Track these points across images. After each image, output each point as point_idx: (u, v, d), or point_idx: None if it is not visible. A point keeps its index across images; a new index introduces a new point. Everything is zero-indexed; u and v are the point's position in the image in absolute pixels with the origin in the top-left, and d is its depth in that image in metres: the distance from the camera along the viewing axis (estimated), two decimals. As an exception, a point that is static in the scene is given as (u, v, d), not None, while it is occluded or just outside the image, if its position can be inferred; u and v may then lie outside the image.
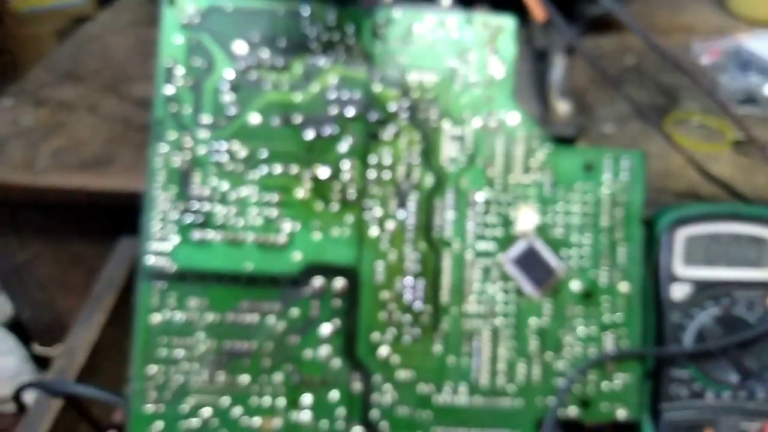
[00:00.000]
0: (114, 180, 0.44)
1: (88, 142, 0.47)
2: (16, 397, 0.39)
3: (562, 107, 0.42)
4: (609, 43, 0.57)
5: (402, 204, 0.32)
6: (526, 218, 0.33)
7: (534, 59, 0.46)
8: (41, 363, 0.58)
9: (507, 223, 0.32)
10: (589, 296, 0.32)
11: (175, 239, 0.32)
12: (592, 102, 0.49)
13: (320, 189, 0.31)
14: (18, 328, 0.58)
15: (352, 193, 0.31)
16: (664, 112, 0.47)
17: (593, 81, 0.51)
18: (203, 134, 0.32)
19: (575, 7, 0.55)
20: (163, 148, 0.32)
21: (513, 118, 0.33)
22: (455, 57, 0.33)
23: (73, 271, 0.51)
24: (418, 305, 0.31)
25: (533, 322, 0.31)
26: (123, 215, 0.39)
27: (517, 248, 0.33)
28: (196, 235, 0.31)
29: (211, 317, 0.31)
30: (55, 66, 0.58)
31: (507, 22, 0.33)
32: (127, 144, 0.46)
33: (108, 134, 0.48)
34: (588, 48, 0.54)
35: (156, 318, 0.31)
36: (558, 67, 0.43)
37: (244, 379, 0.31)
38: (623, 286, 0.33)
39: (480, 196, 0.33)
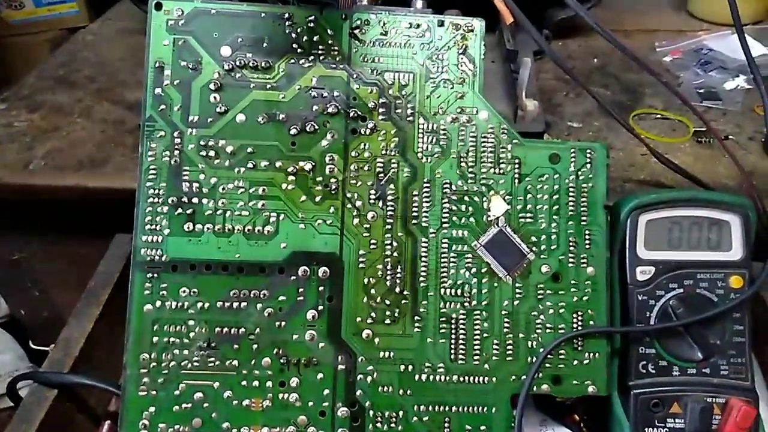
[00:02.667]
0: (108, 179, 0.45)
1: (82, 144, 0.49)
2: (11, 390, 0.40)
3: (531, 105, 0.44)
4: (575, 45, 0.59)
5: (381, 195, 0.34)
6: (497, 206, 0.35)
7: (504, 61, 0.49)
8: (38, 360, 0.59)
9: (479, 211, 0.34)
10: (557, 278, 0.34)
11: (167, 231, 0.33)
12: (559, 101, 0.51)
13: (304, 182, 0.33)
14: (14, 325, 0.59)
15: (334, 185, 0.33)
16: (628, 109, 0.49)
17: (560, 81, 0.53)
18: (191, 132, 0.34)
19: (544, 12, 0.58)
20: (154, 145, 0.34)
21: (482, 114, 0.35)
22: (428, 57, 0.35)
23: (69, 268, 0.52)
24: (398, 290, 0.33)
25: (505, 303, 0.33)
26: (118, 213, 0.41)
27: (489, 235, 0.35)
28: (187, 226, 0.33)
29: (201, 305, 0.32)
30: (49, 72, 0.59)
31: (476, 24, 0.35)
32: (121, 146, 0.48)
33: (102, 137, 0.49)
34: (555, 50, 0.56)
35: (149, 307, 0.33)
36: (526, 69, 0.45)
37: (234, 363, 0.32)
38: (589, 269, 0.35)
39: (453, 187, 0.34)
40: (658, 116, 0.47)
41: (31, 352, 0.58)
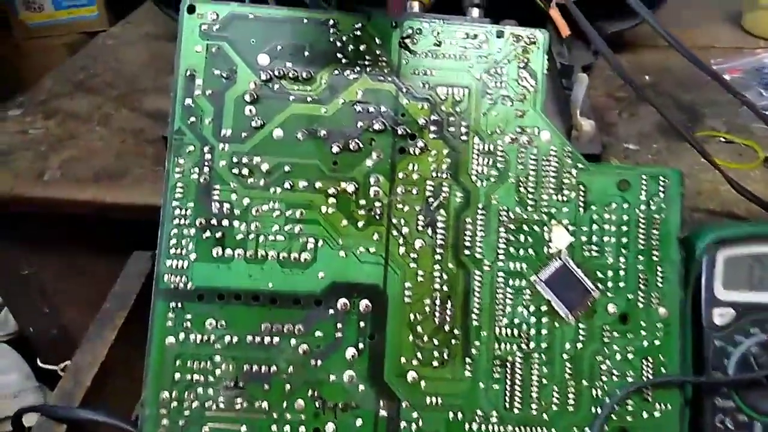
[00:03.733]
0: (126, 193, 0.42)
1: (99, 153, 0.46)
2: (16, 420, 0.37)
3: (587, 125, 0.41)
4: (624, 61, 0.56)
5: (430, 221, 0.30)
6: (559, 237, 0.31)
7: (555, 77, 0.46)
8: (45, 379, 0.56)
9: (539, 242, 0.31)
10: (625, 320, 0.30)
11: (193, 256, 0.30)
12: (612, 120, 0.48)
13: (345, 205, 0.30)
14: (22, 343, 0.56)
15: (378, 210, 0.30)
16: (686, 131, 0.46)
17: (612, 99, 0.50)
18: (223, 147, 0.31)
19: (592, 25, 0.54)
20: (182, 161, 0.31)
21: (544, 134, 0.32)
22: (485, 71, 0.32)
23: (81, 285, 0.49)
24: (448, 328, 0.30)
25: (567, 346, 0.30)
26: (136, 229, 0.38)
27: (550, 269, 0.31)
28: (215, 251, 0.30)
29: (229, 339, 0.29)
30: (67, 77, 0.57)
31: (539, 36, 0.32)
32: (140, 157, 0.45)
33: (120, 146, 0.46)
34: (602, 67, 0.53)
35: (171, 340, 0.30)
36: (582, 85, 0.41)
37: (264, 404, 0.29)
38: (661, 310, 0.31)
39: (511, 215, 0.31)
40: (722, 140, 0.43)
41: (38, 370, 0.55)
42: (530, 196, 0.31)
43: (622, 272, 0.31)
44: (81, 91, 0.54)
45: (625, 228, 0.31)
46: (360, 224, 0.30)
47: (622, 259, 0.31)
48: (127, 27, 0.68)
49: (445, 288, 0.30)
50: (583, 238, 0.31)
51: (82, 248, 0.48)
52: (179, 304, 0.30)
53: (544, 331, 0.30)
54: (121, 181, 0.43)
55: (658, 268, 0.31)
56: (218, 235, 0.30)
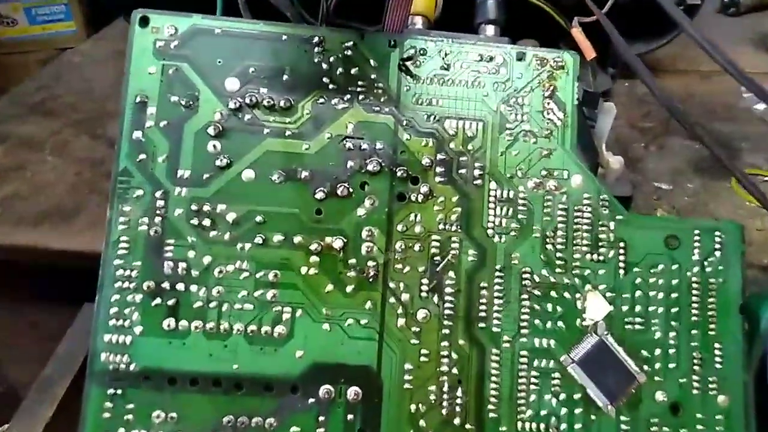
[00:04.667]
0: (78, 237, 0.36)
1: (49, 188, 0.40)
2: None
3: (615, 162, 0.35)
4: (642, 89, 0.51)
5: (436, 286, 0.24)
6: (595, 307, 0.25)
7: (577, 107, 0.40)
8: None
9: (570, 313, 0.25)
10: (677, 410, 0.25)
11: (138, 329, 0.24)
12: (638, 154, 0.42)
13: (331, 265, 0.25)
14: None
15: (372, 271, 0.25)
16: (721, 168, 0.40)
17: (635, 130, 0.45)
18: (180, 191, 0.25)
19: (608, 49, 0.49)
20: (128, 208, 0.25)
21: (575, 178, 0.26)
22: (503, 100, 0.26)
23: (29, 339, 0.43)
24: (459, 421, 0.24)
25: (608, 445, 0.24)
26: (88, 277, 0.32)
27: (584, 346, 0.25)
28: (167, 323, 0.25)
29: None
30: (24, 98, 0.51)
31: (568, 59, 0.27)
32: (97, 192, 0.39)
33: (75, 179, 0.40)
34: (619, 93, 0.48)
35: (108, 436, 0.24)
36: (609, 116, 0.36)
37: None
38: (721, 398, 0.25)
39: (536, 278, 0.25)
40: (766, 179, 0.37)
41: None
42: (559, 254, 0.25)
43: (672, 350, 0.26)
44: (37, 114, 0.48)
45: (674, 295, 0.26)
46: (349, 289, 0.25)
47: (671, 334, 0.26)
48: (99, 43, 0.62)
49: (454, 371, 0.25)
50: (624, 308, 0.26)
51: (32, 299, 0.41)
52: (119, 391, 0.25)
53: (578, 426, 0.25)
54: (71, 222, 0.37)
55: (716, 345, 0.25)
56: (171, 302, 0.25)
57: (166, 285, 0.25)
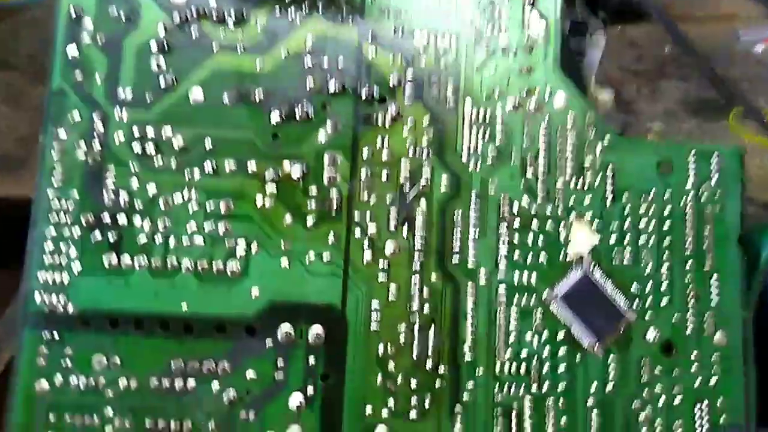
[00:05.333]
0: (29, 185, 0.34)
1: (1, 136, 0.37)
2: None
3: (604, 95, 0.33)
4: (638, 32, 0.48)
5: (406, 217, 0.22)
6: (581, 238, 0.23)
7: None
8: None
9: (553, 245, 0.23)
10: (670, 350, 0.23)
11: (76, 267, 0.22)
12: (631, 96, 0.40)
13: (289, 195, 0.23)
14: None
15: (335, 201, 0.22)
16: (720, 108, 0.38)
17: (628, 73, 0.42)
18: (121, 114, 0.23)
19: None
20: (63, 133, 0.22)
21: (559, 97, 0.24)
22: (479, 11, 0.24)
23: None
24: (431, 364, 0.21)
25: (594, 388, 0.22)
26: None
27: (569, 281, 0.23)
28: (108, 260, 0.23)
29: (125, 383, 0.22)
30: (-19, 50, 0.48)
31: (551, -34, 0.24)
32: (50, 141, 0.36)
33: (27, 129, 0.38)
34: (612, 37, 0.45)
35: (44, 384, 0.21)
36: (598, 48, 0.33)
37: None
38: (717, 335, 0.23)
39: (515, 208, 0.23)
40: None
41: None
42: (540, 182, 0.23)
43: (664, 285, 0.24)
44: (-8, 65, 0.45)
45: (667, 224, 0.24)
46: (309, 222, 0.23)
47: (664, 268, 0.24)
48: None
49: (426, 309, 0.23)
50: (612, 239, 0.24)
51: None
52: (55, 334, 0.22)
53: (561, 368, 0.23)
54: (19, 171, 0.34)
55: (712, 279, 0.23)
56: (112, 237, 0.22)
57: (106, 218, 0.23)
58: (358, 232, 0.23)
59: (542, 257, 0.23)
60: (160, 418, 0.22)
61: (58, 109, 0.23)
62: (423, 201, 0.23)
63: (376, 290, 0.23)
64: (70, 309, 0.22)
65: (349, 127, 0.23)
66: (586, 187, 0.24)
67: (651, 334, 0.23)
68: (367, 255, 0.23)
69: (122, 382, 0.22)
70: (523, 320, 0.23)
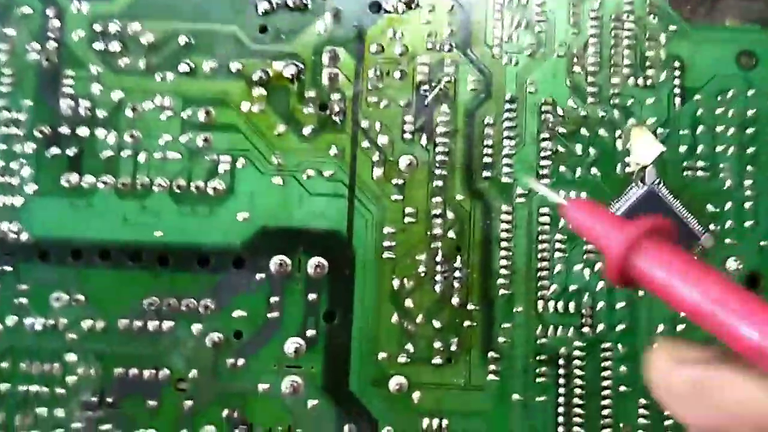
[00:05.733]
0: None
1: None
2: None
3: None
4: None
5: (425, 125, 0.18)
6: (642, 148, 0.19)
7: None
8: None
9: (608, 157, 0.20)
10: (756, 283, 0.19)
11: (31, 188, 0.19)
12: None
13: (282, 99, 0.20)
14: None
15: (337, 107, 0.19)
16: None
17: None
18: (79, 6, 0.20)
19: None
20: (12, 31, 0.19)
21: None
22: None
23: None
24: (458, 301, 0.17)
25: (660, 329, 0.18)
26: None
27: (628, 200, 0.19)
28: (67, 179, 0.20)
29: (90, 324, 0.19)
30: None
31: None
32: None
33: None
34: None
35: (-5, 325, 0.18)
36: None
37: None
38: (816, 266, 0.19)
39: (560, 111, 0.19)
40: None
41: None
42: (590, 79, 0.19)
43: (747, 204, 0.20)
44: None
45: (750, 130, 0.20)
46: (307, 131, 0.20)
47: (747, 183, 0.20)
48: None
49: (451, 235, 0.19)
50: (682, 149, 0.20)
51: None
52: (8, 267, 0.19)
53: (619, 305, 0.19)
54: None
55: (808, 198, 0.19)
56: (72, 152, 0.19)
57: (65, 130, 0.19)
58: (365, 142, 0.19)
59: (594, 171, 0.19)
60: (132, 365, 0.19)
61: (5, 3, 0.19)
62: (445, 105, 0.19)
63: (389, 213, 0.19)
64: (24, 237, 0.19)
65: (353, 15, 0.19)
66: (647, 85, 0.19)
67: (732, 264, 0.19)
68: (377, 171, 0.19)
69: (86, 324, 0.19)
70: (572, 247, 0.19)
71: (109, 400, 0.19)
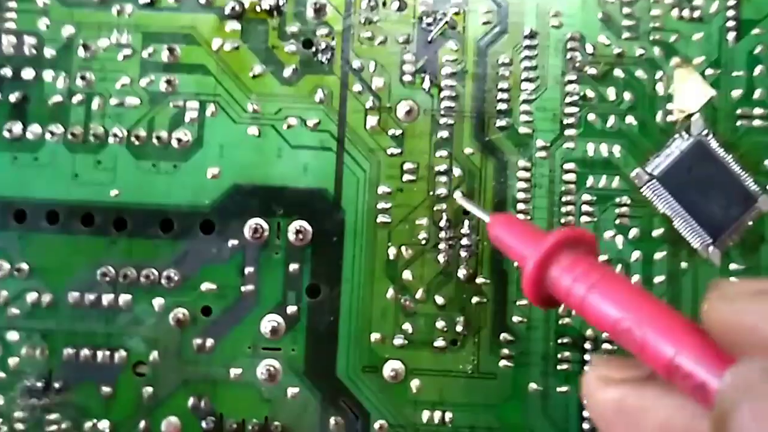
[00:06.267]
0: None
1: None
2: None
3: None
4: None
5: (427, 65, 0.16)
6: (688, 92, 0.16)
7: None
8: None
9: (647, 102, 0.17)
10: None
11: (-30, 139, 0.16)
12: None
13: (259, 35, 0.17)
14: None
15: (323, 43, 0.16)
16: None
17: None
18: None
19: None
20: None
21: None
22: None
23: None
24: (465, 273, 0.15)
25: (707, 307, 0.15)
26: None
27: (670, 154, 0.16)
28: (10, 129, 0.17)
29: (36, 296, 0.17)
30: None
31: None
32: None
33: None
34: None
35: (-71, 299, 0.16)
36: None
37: (103, 425, 0.16)
38: None
39: (590, 48, 0.16)
40: None
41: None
42: (626, 10, 0.16)
43: None
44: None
45: None
46: (287, 72, 0.17)
47: None
48: None
49: (458, 195, 0.15)
50: (736, 94, 0.17)
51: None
52: None
53: (659, 278, 0.16)
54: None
55: None
56: (14, 98, 0.17)
57: (6, 72, 0.17)
58: (357, 85, 0.16)
59: (630, 120, 0.16)
60: (83, 345, 0.16)
61: None
62: (451, 41, 0.16)
63: (385, 168, 0.16)
64: (-37, 199, 0.16)
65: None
66: (694, 18, 0.16)
67: (794, 232, 0.16)
68: (371, 119, 0.16)
69: (31, 297, 0.16)
70: (602, 211, 0.16)
71: (57, 385, 0.16)
